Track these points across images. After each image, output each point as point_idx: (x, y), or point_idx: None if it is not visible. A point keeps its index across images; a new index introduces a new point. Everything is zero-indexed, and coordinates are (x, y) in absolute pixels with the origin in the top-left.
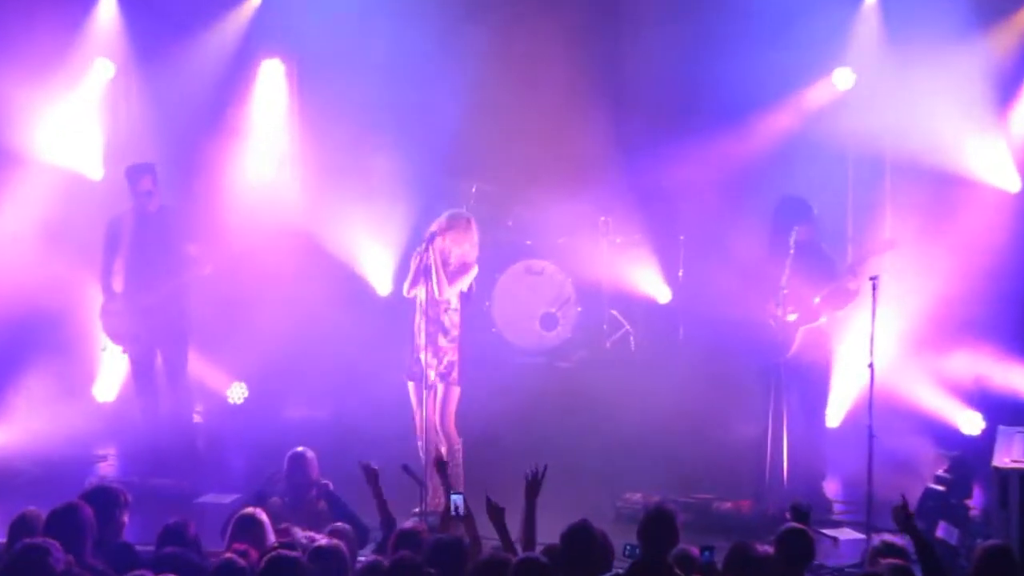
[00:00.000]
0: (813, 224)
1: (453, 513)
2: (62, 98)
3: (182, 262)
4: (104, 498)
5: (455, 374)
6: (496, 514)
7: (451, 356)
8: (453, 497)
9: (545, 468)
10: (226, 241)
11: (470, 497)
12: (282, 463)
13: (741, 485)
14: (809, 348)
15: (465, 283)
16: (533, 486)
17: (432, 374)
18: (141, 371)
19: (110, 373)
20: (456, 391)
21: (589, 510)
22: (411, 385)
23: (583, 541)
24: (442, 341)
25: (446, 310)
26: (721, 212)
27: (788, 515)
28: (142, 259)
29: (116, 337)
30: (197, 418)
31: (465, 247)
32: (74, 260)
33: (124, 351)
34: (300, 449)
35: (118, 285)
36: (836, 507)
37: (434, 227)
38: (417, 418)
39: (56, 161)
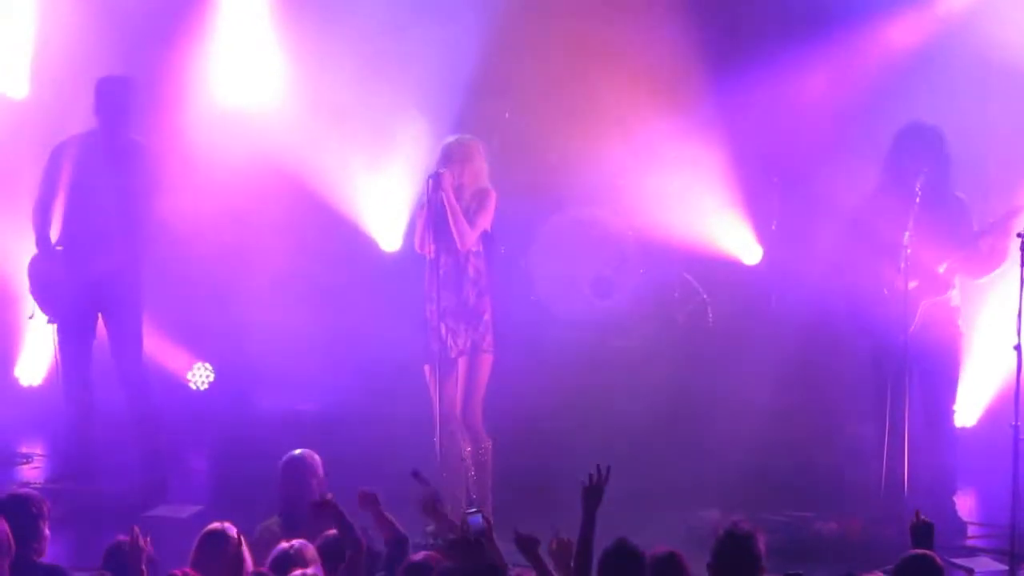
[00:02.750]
0: (945, 164)
1: (471, 537)
2: None
3: (149, 220)
4: (19, 508)
5: (489, 338)
6: (528, 548)
7: (486, 313)
8: (470, 518)
9: (608, 470)
10: (190, 183)
11: (497, 518)
12: (255, 466)
13: (849, 500)
14: (933, 327)
15: (488, 217)
16: (593, 494)
17: (461, 343)
18: (72, 347)
19: (38, 350)
20: (487, 362)
21: (654, 530)
22: (428, 370)
23: (621, 568)
24: (470, 296)
25: (468, 256)
26: (827, 147)
27: (911, 539)
28: (95, 206)
29: (46, 303)
30: None
31: (482, 180)
32: None
33: (51, 321)
34: (298, 452)
35: (56, 234)
36: (971, 530)
37: (437, 162)
38: (435, 409)
39: None
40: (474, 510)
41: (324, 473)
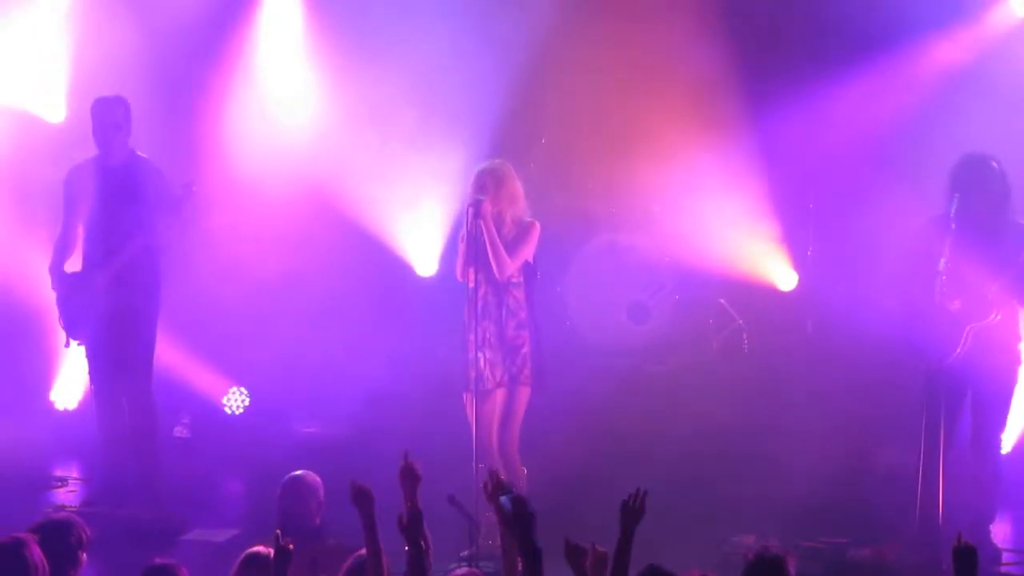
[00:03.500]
0: (1001, 190)
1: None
2: (12, 18)
3: (159, 235)
4: (57, 534)
5: (527, 371)
6: (576, 559)
7: (524, 346)
8: (502, 499)
9: (645, 493)
10: (224, 206)
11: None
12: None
13: (884, 526)
14: (985, 352)
15: (530, 250)
16: (632, 514)
17: (499, 374)
18: (100, 370)
19: (73, 374)
20: (524, 395)
21: (689, 554)
22: (467, 398)
23: None
24: (509, 327)
25: (508, 287)
26: (864, 173)
27: (953, 563)
28: (106, 227)
29: (71, 328)
30: (182, 432)
31: (519, 203)
32: (27, 225)
33: (80, 344)
34: (298, 473)
35: (76, 261)
36: (1005, 556)
37: (471, 190)
38: (475, 436)
39: (3, 99)
40: (507, 491)
41: (324, 496)
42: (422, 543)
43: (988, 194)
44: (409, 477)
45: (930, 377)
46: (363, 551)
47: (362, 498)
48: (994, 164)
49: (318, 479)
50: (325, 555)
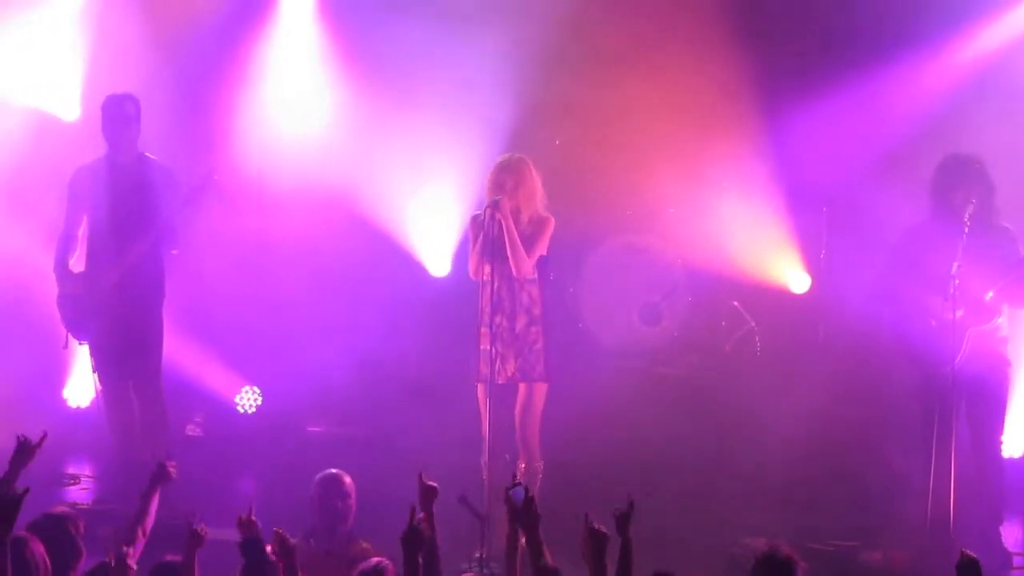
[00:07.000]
0: (990, 193)
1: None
2: (27, 16)
3: (166, 234)
4: (55, 528)
5: (540, 368)
6: (599, 544)
7: (538, 342)
8: (512, 492)
9: (631, 504)
10: (239, 206)
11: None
12: (303, 490)
13: (895, 531)
14: (982, 356)
15: (545, 245)
16: (623, 521)
17: (509, 369)
18: (106, 368)
19: (85, 372)
20: (542, 391)
21: (699, 558)
22: (481, 389)
23: None
24: (522, 323)
25: (523, 283)
26: (877, 177)
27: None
28: (111, 227)
29: (76, 327)
30: (194, 430)
31: (536, 199)
32: (42, 225)
33: (81, 342)
34: (334, 471)
35: (80, 262)
36: (1016, 560)
37: (490, 185)
38: (484, 430)
39: (18, 98)
40: (516, 483)
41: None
42: (420, 558)
43: (978, 195)
44: (425, 494)
45: (927, 384)
46: (378, 559)
47: (415, 536)
48: (978, 165)
49: (350, 479)
50: (359, 557)
